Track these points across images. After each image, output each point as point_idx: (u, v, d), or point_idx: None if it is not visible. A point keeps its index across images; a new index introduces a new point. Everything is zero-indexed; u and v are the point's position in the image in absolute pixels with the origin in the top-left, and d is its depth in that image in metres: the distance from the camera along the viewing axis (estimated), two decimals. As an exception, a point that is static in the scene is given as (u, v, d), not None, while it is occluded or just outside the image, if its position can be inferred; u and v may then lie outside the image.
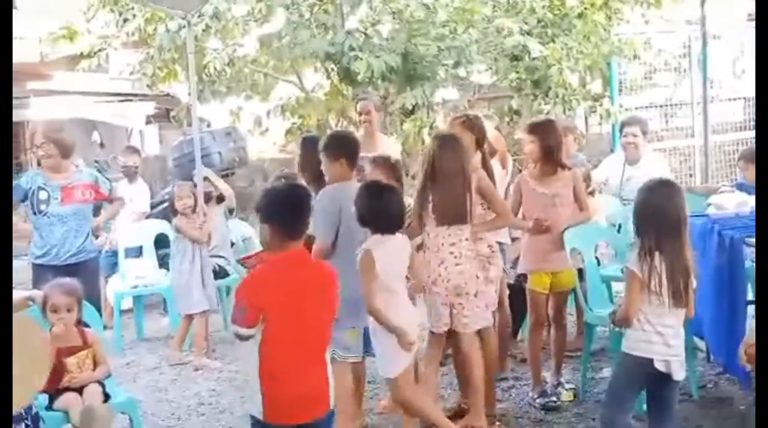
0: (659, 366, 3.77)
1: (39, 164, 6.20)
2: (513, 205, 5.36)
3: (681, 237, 3.76)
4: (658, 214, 3.77)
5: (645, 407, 4.13)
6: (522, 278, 5.49)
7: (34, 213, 5.84)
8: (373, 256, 4.21)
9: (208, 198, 7.21)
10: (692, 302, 3.82)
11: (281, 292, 3.42)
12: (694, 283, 3.79)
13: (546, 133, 5.30)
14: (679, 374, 3.82)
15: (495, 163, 5.69)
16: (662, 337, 3.77)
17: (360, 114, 7.46)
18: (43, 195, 5.83)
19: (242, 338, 3.44)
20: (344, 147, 4.95)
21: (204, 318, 6.73)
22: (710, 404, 5.05)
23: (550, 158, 5.27)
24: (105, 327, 5.39)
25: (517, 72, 9.09)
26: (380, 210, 4.32)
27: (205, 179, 7.26)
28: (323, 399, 3.59)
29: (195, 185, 7.03)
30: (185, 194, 6.86)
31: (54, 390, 4.31)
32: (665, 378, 3.80)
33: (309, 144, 5.83)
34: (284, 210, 3.56)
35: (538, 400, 5.26)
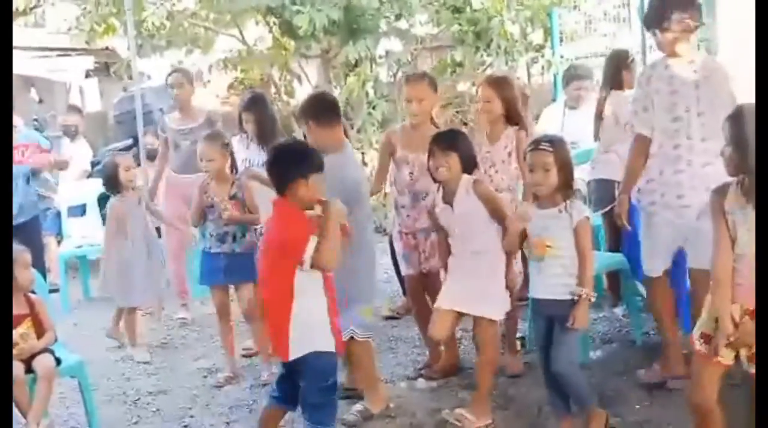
0: None
1: None
2: None
3: None
4: None
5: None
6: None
7: None
8: None
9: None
10: None
11: None
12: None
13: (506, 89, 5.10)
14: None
15: None
16: None
17: (172, 87, 6.75)
18: None
19: None
20: (337, 111, 4.73)
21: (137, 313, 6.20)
22: (652, 350, 5.16)
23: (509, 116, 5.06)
24: (51, 291, 5.35)
25: (460, 24, 9.11)
26: None
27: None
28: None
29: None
30: (131, 164, 6.13)
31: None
32: None
33: (260, 103, 5.89)
34: None
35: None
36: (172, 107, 7.00)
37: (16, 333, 4.15)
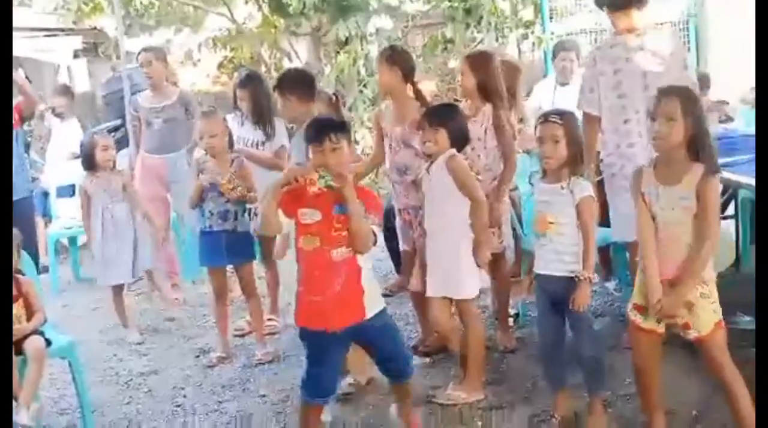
0: None
1: None
2: None
3: None
4: None
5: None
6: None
7: None
8: None
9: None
10: None
11: None
12: None
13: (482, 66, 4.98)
14: None
15: None
16: None
17: (142, 65, 6.69)
18: None
19: None
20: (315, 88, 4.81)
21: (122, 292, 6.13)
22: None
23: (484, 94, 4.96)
24: (39, 272, 5.31)
25: (450, 1, 9.05)
26: None
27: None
28: None
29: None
30: (109, 144, 5.97)
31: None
32: None
33: (256, 80, 5.87)
34: None
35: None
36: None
37: None
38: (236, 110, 5.89)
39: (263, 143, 5.81)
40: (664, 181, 3.40)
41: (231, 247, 5.23)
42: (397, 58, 4.99)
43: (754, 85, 3.76)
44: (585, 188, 3.80)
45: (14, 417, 3.89)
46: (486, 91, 4.89)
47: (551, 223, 3.82)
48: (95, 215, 5.85)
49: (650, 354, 3.57)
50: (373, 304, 3.69)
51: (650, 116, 3.42)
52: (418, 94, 5.03)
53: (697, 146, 3.34)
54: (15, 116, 5.89)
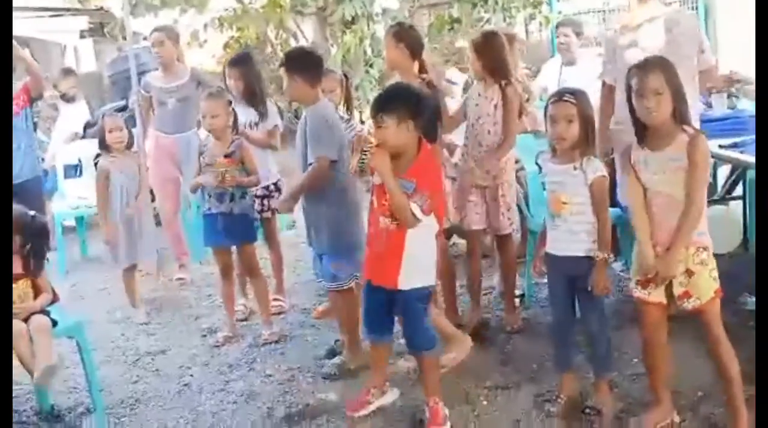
0: None
1: None
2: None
3: None
4: None
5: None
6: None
7: None
8: None
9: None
10: None
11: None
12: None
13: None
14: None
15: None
16: None
17: (153, 45, 6.65)
18: None
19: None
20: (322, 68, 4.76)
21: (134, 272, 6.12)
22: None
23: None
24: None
25: (457, -20, 9.02)
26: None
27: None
28: None
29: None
30: (118, 125, 5.90)
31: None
32: None
33: (248, 61, 5.88)
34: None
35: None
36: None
37: (14, 293, 4.12)
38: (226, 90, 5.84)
39: (256, 124, 5.80)
40: (652, 148, 3.44)
41: (228, 229, 5.25)
42: (404, 35, 4.98)
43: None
44: (598, 168, 3.78)
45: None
46: (493, 70, 4.92)
47: (565, 203, 3.81)
48: (113, 195, 5.84)
49: (657, 327, 3.61)
50: (409, 279, 3.84)
51: (635, 92, 3.41)
52: (424, 72, 4.99)
53: (681, 111, 3.38)
54: (24, 96, 5.90)
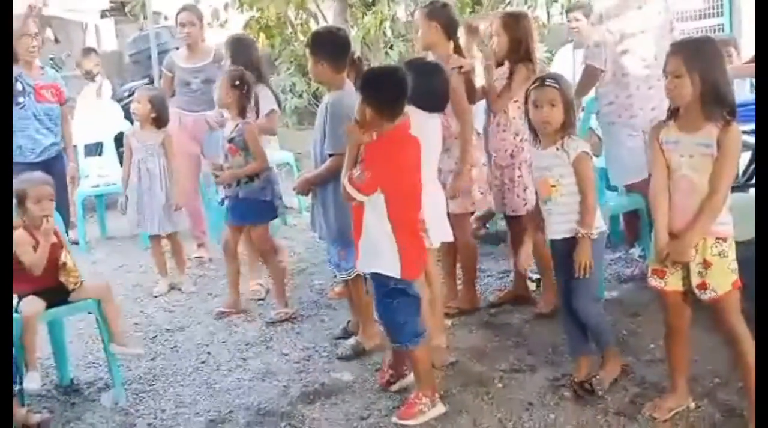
0: None
1: None
2: None
3: None
4: None
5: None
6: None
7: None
8: None
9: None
10: None
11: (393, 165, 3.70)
12: None
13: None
14: None
15: None
16: None
17: (183, 25, 6.72)
18: (18, 86, 5.79)
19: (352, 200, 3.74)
20: (348, 53, 4.68)
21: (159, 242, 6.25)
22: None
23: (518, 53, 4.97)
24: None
25: (479, -38, 8.96)
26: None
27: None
28: None
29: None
30: (142, 97, 6.04)
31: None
32: None
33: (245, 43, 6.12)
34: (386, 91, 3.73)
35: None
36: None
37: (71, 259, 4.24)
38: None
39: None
40: (684, 129, 3.39)
41: (234, 210, 5.40)
42: (437, 13, 4.92)
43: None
44: (579, 145, 3.81)
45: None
46: (517, 52, 4.93)
47: (553, 186, 3.83)
48: (133, 166, 6.00)
49: (678, 314, 3.58)
50: (368, 262, 3.80)
51: (663, 73, 3.42)
52: (458, 51, 4.96)
53: (712, 98, 3.29)
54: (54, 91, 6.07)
